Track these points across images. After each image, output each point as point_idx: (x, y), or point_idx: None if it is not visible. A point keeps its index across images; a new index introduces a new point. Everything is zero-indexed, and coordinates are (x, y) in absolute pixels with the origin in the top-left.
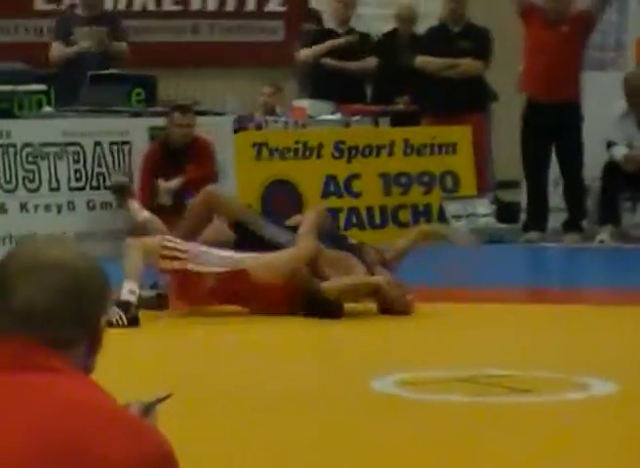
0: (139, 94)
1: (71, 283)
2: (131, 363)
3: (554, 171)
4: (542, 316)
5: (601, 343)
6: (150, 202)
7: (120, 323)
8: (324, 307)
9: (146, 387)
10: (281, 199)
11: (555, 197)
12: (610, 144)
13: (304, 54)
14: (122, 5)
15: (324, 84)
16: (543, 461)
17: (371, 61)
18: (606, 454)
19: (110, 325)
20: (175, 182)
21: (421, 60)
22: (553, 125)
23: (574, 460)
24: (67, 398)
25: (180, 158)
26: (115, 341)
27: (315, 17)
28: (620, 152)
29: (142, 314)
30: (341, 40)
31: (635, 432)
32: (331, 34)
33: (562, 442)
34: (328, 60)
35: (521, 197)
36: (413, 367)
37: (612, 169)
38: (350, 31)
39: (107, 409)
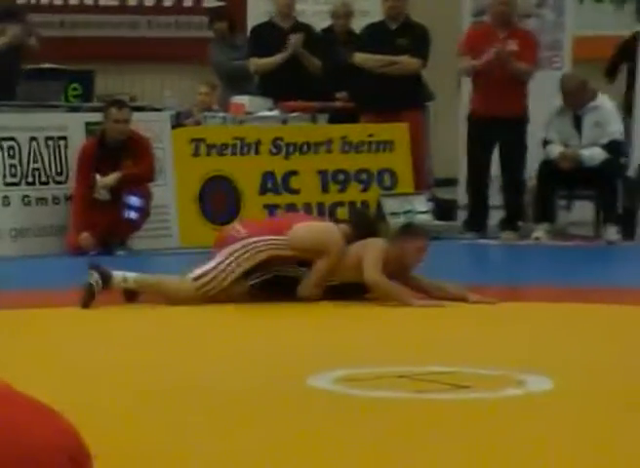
0: (75, 88)
1: None
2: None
3: (493, 168)
4: (481, 313)
5: (539, 340)
6: (88, 197)
7: (96, 287)
8: None
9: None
10: (219, 195)
11: (493, 195)
12: (546, 143)
13: (263, 64)
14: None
15: (263, 80)
16: (479, 457)
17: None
18: (539, 450)
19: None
20: (112, 178)
21: (360, 58)
22: (499, 130)
23: (509, 455)
24: None
25: (117, 154)
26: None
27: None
28: (555, 151)
29: None
30: (290, 51)
31: (568, 428)
32: (274, 28)
33: (498, 437)
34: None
35: (458, 195)
36: (352, 363)
37: (547, 167)
38: (296, 25)
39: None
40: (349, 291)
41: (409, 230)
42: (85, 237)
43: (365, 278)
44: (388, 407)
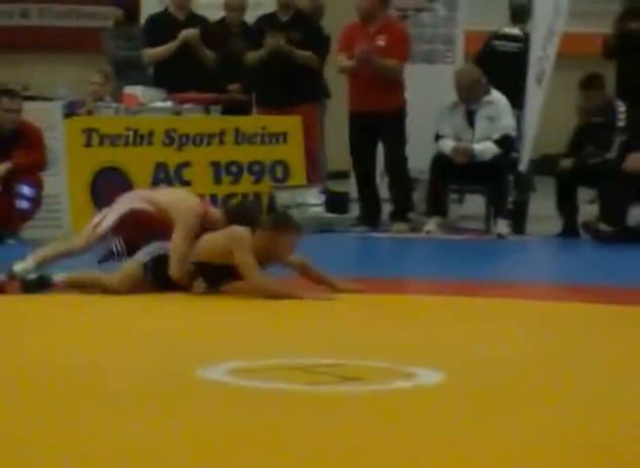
0: None
1: None
2: None
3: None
4: (371, 306)
5: (428, 334)
6: None
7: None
8: None
9: None
10: (111, 186)
11: (384, 188)
12: (438, 137)
13: (154, 53)
14: None
15: (157, 71)
16: (368, 448)
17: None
18: (426, 441)
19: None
20: (2, 167)
21: (250, 56)
22: (377, 125)
23: (398, 447)
24: None
25: (8, 143)
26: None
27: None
28: (447, 145)
29: None
30: (179, 42)
31: (455, 420)
32: (170, 19)
33: (387, 429)
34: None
35: (350, 187)
36: (244, 355)
37: (440, 161)
38: (191, 16)
39: None
40: (221, 272)
41: (279, 222)
42: None
43: (250, 284)
44: (278, 398)
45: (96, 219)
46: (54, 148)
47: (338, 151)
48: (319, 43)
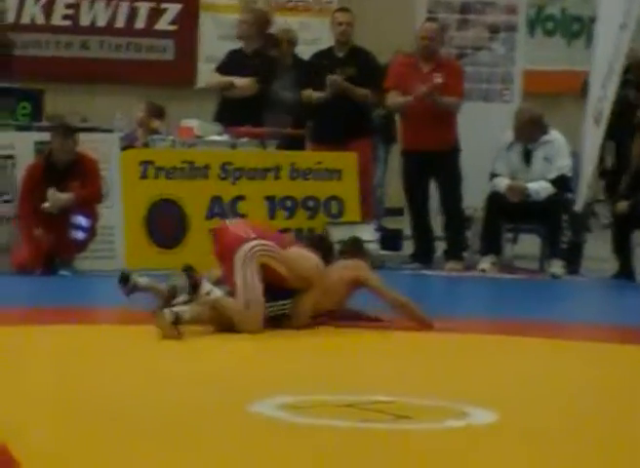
0: (24, 107)
1: None
2: None
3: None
4: (425, 344)
5: (482, 373)
6: (31, 216)
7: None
8: None
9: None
10: (166, 218)
11: (438, 226)
12: (493, 175)
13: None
14: (11, 18)
15: (220, 106)
16: None
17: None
18: None
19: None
20: (65, 197)
21: (309, 95)
22: (431, 162)
23: None
24: None
25: (64, 174)
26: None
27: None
28: (502, 183)
29: None
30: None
31: (509, 461)
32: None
33: None
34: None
35: (404, 224)
36: (296, 390)
37: (494, 199)
38: (257, 51)
39: None
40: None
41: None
42: (39, 234)
43: (392, 300)
44: (329, 435)
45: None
46: (109, 180)
47: (397, 188)
48: (376, 79)
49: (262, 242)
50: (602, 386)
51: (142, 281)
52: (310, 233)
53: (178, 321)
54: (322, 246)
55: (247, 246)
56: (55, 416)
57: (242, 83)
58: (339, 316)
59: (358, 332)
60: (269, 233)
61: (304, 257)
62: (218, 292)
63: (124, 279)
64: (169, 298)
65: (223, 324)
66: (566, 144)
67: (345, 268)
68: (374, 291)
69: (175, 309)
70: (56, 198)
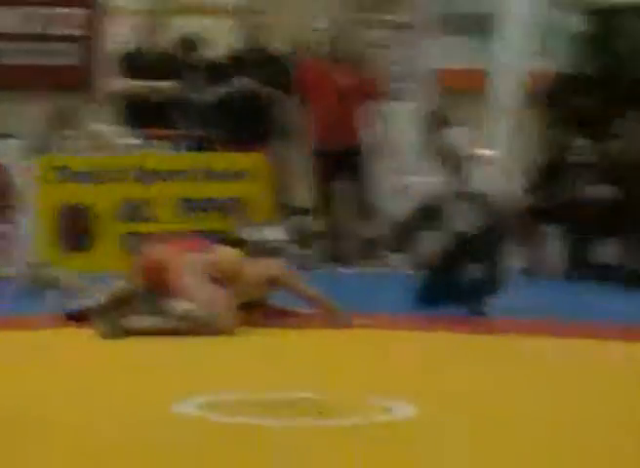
0: None
1: None
2: None
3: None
4: (344, 341)
5: (401, 368)
6: None
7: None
8: None
9: None
10: (77, 223)
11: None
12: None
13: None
14: None
15: (128, 109)
16: None
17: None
18: None
19: None
20: None
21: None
22: (341, 161)
23: None
24: None
25: None
26: None
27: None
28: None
29: None
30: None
31: (429, 454)
32: (142, 56)
33: (362, 464)
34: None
35: (315, 224)
36: (218, 389)
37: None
38: (162, 53)
39: None
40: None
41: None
42: None
43: (313, 297)
44: (251, 433)
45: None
46: (21, 186)
47: (301, 189)
48: (285, 81)
49: (192, 257)
50: (523, 379)
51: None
52: (226, 234)
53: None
54: (239, 245)
55: (181, 265)
56: None
57: (168, 86)
58: (265, 313)
59: (280, 331)
60: (188, 244)
61: (224, 253)
62: (185, 305)
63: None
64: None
65: (193, 332)
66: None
67: (261, 266)
68: (291, 287)
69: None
70: None
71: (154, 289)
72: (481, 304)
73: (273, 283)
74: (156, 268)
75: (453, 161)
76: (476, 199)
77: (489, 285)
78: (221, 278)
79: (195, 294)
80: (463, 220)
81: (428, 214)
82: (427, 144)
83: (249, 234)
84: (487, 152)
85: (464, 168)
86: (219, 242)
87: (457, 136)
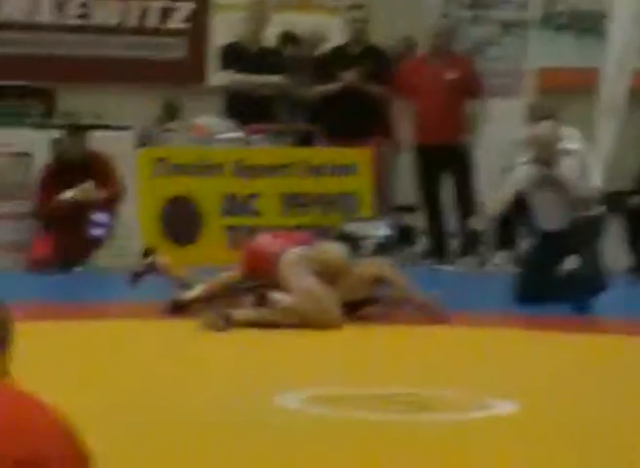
0: (37, 107)
1: None
2: None
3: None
4: (444, 338)
5: (501, 365)
6: (47, 213)
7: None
8: None
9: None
10: (181, 216)
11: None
12: (506, 170)
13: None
14: (22, 17)
15: (232, 102)
16: None
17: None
18: None
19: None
20: (95, 191)
21: (319, 89)
22: (444, 157)
23: None
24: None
25: (78, 173)
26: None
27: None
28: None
29: None
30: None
31: (530, 451)
32: (245, 50)
33: (463, 459)
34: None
35: (419, 221)
36: (321, 383)
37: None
38: (264, 48)
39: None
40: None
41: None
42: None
43: (416, 300)
44: (354, 427)
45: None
46: (125, 178)
47: (408, 185)
48: (390, 77)
49: (295, 250)
50: (620, 380)
51: (162, 260)
52: (336, 229)
53: (227, 319)
54: (345, 241)
55: (285, 258)
56: (101, 409)
57: (274, 81)
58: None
59: (380, 328)
60: (294, 237)
61: (333, 250)
62: (287, 299)
63: (147, 252)
64: (186, 287)
65: (297, 325)
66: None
67: (368, 265)
68: (397, 288)
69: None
70: (86, 189)
71: (258, 279)
72: (585, 302)
73: (380, 282)
74: (260, 258)
75: (544, 152)
76: (563, 186)
77: (590, 281)
78: (326, 274)
79: (299, 288)
80: (555, 213)
81: (523, 205)
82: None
83: (354, 230)
84: (574, 146)
85: (555, 159)
86: (325, 237)
87: (549, 128)
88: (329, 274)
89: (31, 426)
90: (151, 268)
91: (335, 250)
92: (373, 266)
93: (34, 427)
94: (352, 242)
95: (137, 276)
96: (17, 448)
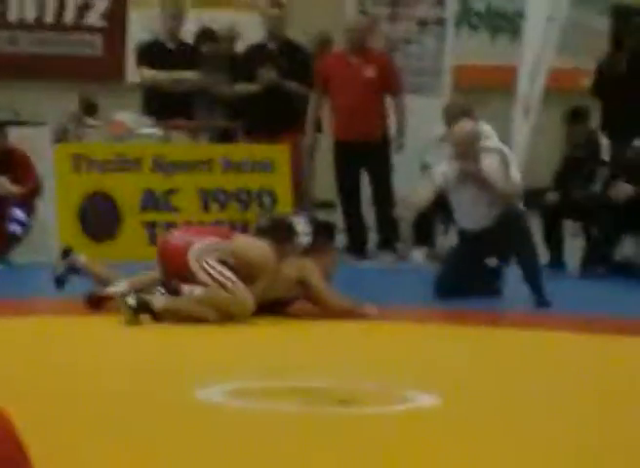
0: None
1: None
2: None
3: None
4: (363, 332)
5: (421, 358)
6: None
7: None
8: None
9: None
10: (99, 211)
11: (370, 218)
12: (425, 167)
13: (148, 75)
14: None
15: (150, 99)
16: None
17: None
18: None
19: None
20: (10, 186)
21: (241, 88)
22: (362, 153)
23: None
24: None
25: None
26: None
27: None
28: (438, 175)
29: None
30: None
31: (454, 442)
32: (163, 47)
33: (386, 452)
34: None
35: (337, 218)
36: (241, 377)
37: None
38: (182, 44)
39: None
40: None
41: (324, 242)
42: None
43: (332, 307)
44: (275, 420)
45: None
46: (42, 174)
47: (327, 181)
48: (307, 73)
49: (205, 242)
50: (541, 371)
51: (82, 259)
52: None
53: (144, 307)
54: (282, 230)
55: (194, 250)
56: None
57: (191, 77)
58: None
59: (301, 321)
60: (207, 231)
61: (253, 246)
62: (198, 290)
63: (65, 252)
64: (107, 283)
65: (210, 317)
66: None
67: (293, 266)
68: (315, 295)
69: (144, 296)
70: (1, 184)
71: (174, 275)
72: (542, 295)
73: (303, 285)
74: (172, 253)
75: (466, 149)
76: (486, 182)
77: (529, 272)
78: (243, 267)
79: (211, 278)
80: (475, 211)
81: (442, 202)
82: (445, 136)
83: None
84: (494, 143)
85: (476, 156)
86: (256, 231)
87: (470, 125)
88: (245, 268)
89: None
90: (72, 269)
91: (256, 246)
92: (297, 267)
93: None
94: (287, 233)
95: (60, 280)
96: None
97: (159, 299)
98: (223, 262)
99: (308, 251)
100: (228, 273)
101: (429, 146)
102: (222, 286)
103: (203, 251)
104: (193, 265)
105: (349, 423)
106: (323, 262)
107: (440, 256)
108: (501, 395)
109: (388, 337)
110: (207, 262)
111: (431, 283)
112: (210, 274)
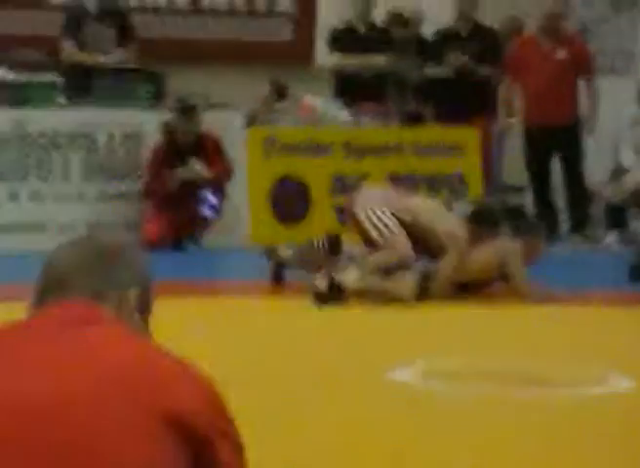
0: (148, 90)
1: (103, 250)
2: None
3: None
4: (556, 314)
5: (616, 342)
6: (159, 193)
7: None
8: None
9: None
10: (290, 195)
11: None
12: (618, 151)
13: (339, 60)
14: (134, 1)
15: (340, 83)
16: (564, 454)
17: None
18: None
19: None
20: (202, 170)
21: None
22: (554, 137)
23: (595, 454)
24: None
25: (188, 154)
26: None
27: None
28: (628, 157)
29: None
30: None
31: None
32: (354, 31)
33: (580, 434)
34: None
35: (526, 201)
36: (435, 358)
37: (620, 174)
38: (373, 28)
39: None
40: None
41: (533, 228)
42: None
43: (522, 293)
44: (469, 402)
45: (376, 223)
46: (233, 158)
47: (516, 166)
48: (498, 57)
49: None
50: None
51: (287, 255)
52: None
53: (337, 288)
54: (486, 220)
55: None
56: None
57: (382, 61)
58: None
59: (494, 304)
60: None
61: (442, 214)
62: (356, 250)
63: (268, 255)
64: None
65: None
66: None
67: (492, 249)
68: (511, 280)
69: (336, 277)
70: (195, 168)
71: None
72: None
73: (503, 268)
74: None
75: None
76: None
77: None
78: (418, 230)
79: (372, 226)
80: None
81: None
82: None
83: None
84: None
85: None
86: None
87: None
88: (421, 232)
89: (178, 382)
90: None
91: (445, 217)
92: (497, 250)
93: (181, 383)
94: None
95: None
96: (165, 401)
97: (350, 278)
98: (393, 215)
99: (514, 235)
100: (391, 223)
101: (623, 128)
102: (380, 234)
103: (370, 199)
104: (359, 214)
105: (546, 405)
106: (527, 248)
107: (634, 240)
108: None
109: (581, 320)
110: (372, 210)
111: (625, 266)
112: (372, 223)
